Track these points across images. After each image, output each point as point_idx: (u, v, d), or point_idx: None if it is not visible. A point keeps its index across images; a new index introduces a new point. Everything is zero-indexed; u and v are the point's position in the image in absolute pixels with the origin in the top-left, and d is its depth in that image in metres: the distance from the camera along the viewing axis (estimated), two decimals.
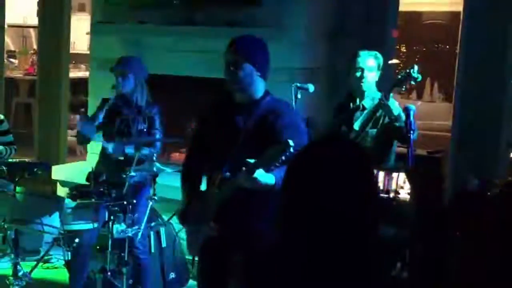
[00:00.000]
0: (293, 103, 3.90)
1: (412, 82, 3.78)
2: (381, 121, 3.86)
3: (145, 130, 4.28)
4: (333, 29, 5.17)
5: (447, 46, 8.77)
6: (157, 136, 4.31)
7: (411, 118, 3.44)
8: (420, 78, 3.75)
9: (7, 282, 3.94)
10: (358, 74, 3.92)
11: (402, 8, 5.63)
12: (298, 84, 4.03)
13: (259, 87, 3.09)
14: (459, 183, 4.43)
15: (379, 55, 4.01)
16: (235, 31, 5.32)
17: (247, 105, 3.10)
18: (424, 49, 9.25)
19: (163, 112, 4.46)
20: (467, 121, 4.90)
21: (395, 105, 3.77)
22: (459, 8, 7.07)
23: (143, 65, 4.40)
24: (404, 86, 3.79)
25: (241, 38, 3.15)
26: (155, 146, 4.30)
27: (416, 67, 3.68)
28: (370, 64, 3.93)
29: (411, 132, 3.41)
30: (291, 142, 2.63)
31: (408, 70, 3.69)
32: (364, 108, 3.94)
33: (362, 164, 1.44)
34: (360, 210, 1.38)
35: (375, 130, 3.84)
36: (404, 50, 8.99)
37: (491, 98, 4.77)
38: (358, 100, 3.99)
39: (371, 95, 3.95)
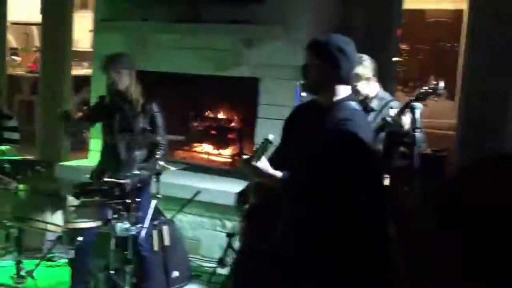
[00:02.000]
0: (298, 101, 3.88)
1: (435, 98, 3.67)
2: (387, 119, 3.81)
3: (147, 128, 4.27)
4: (337, 26, 5.15)
5: (451, 44, 8.75)
6: (161, 135, 4.32)
7: (417, 116, 3.42)
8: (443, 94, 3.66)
9: (10, 280, 3.92)
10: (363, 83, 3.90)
11: (405, 6, 5.61)
12: (303, 82, 4.00)
13: (335, 90, 2.92)
14: None
15: (366, 58, 3.95)
16: (240, 28, 5.32)
17: (322, 108, 2.96)
18: (427, 47, 9.23)
19: (167, 110, 4.45)
20: (471, 119, 4.89)
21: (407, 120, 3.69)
22: (463, 6, 7.06)
23: (134, 60, 4.42)
24: (426, 99, 3.68)
25: (316, 39, 2.98)
26: (161, 148, 4.30)
27: (442, 83, 3.59)
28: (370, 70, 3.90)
29: (417, 130, 3.38)
30: (270, 137, 2.58)
31: (433, 86, 3.59)
32: (372, 110, 3.91)
33: None
34: None
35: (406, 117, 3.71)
36: (407, 48, 8.96)
37: (495, 96, 4.75)
38: (364, 103, 3.95)
39: (378, 96, 3.94)
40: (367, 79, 3.93)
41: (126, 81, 4.29)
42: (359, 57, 3.87)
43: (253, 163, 2.86)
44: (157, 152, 4.12)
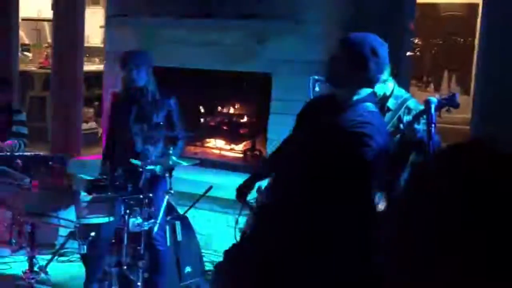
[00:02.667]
0: (311, 96, 3.84)
1: (451, 109, 3.60)
2: (404, 120, 3.74)
3: (161, 123, 4.27)
4: (350, 21, 5.11)
5: (465, 39, 8.69)
6: (178, 130, 4.32)
7: (432, 110, 3.37)
8: (459, 106, 3.58)
9: (23, 276, 3.93)
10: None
11: (418, 0, 5.57)
12: (316, 77, 3.97)
13: (357, 89, 2.88)
14: None
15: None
16: (251, 23, 5.30)
17: (340, 105, 2.90)
18: (441, 41, 9.17)
19: (179, 105, 4.45)
20: (486, 114, 4.84)
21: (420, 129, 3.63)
22: (477, 0, 7.00)
23: (150, 56, 4.42)
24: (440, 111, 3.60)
25: (352, 34, 2.93)
26: (177, 147, 4.29)
27: (457, 95, 3.53)
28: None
29: (432, 125, 3.34)
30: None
31: (450, 96, 3.52)
32: (388, 110, 3.79)
33: None
34: None
35: (421, 126, 3.65)
36: (421, 43, 8.91)
37: (509, 91, 4.70)
38: (380, 102, 3.88)
39: (394, 94, 3.86)
40: (383, 81, 3.83)
41: (144, 78, 4.29)
42: None
43: None
44: (171, 148, 4.11)
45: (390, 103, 3.84)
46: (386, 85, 3.86)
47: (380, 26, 4.97)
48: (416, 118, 3.56)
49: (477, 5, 7.04)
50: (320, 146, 2.85)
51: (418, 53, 8.81)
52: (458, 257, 0.90)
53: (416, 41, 8.39)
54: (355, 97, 2.88)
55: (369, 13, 5.09)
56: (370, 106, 2.89)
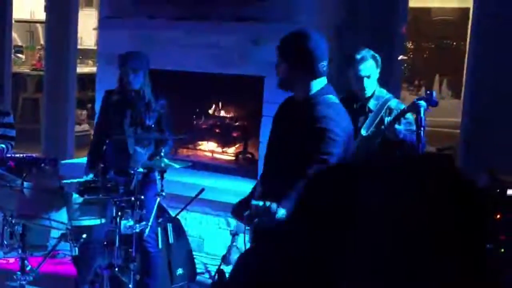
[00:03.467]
0: None
1: (429, 108, 3.61)
2: (385, 121, 3.76)
3: (152, 126, 4.27)
4: (342, 24, 5.14)
5: (456, 42, 8.73)
6: (167, 133, 4.32)
7: (422, 114, 3.40)
8: (437, 104, 3.61)
9: (15, 277, 3.93)
10: (361, 82, 3.82)
11: (411, 4, 5.60)
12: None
13: (306, 85, 2.98)
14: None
15: (376, 55, 3.89)
16: (245, 26, 5.31)
17: (298, 103, 3.04)
18: (432, 45, 9.21)
19: (172, 108, 4.45)
20: (476, 118, 4.87)
21: (402, 129, 3.65)
22: (468, 4, 7.03)
23: (148, 59, 4.41)
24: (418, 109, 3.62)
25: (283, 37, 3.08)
26: (167, 145, 4.30)
27: (434, 93, 3.55)
28: (371, 70, 3.83)
29: (421, 128, 3.37)
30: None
31: (426, 95, 3.54)
32: (370, 111, 3.82)
33: None
34: None
35: (402, 126, 3.67)
36: (412, 47, 8.95)
37: (500, 95, 4.73)
38: (361, 102, 3.88)
39: (375, 95, 3.87)
40: (368, 77, 3.84)
41: (141, 81, 4.28)
42: (362, 55, 3.85)
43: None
44: (162, 150, 4.11)
45: (371, 104, 3.85)
46: (369, 83, 3.85)
47: (373, 30, 5.00)
48: (397, 118, 3.59)
49: (468, 9, 7.08)
50: (289, 145, 2.93)
51: (410, 56, 8.84)
52: (452, 257, 0.92)
53: (408, 45, 8.43)
54: (310, 93, 2.97)
55: (362, 17, 5.12)
56: (331, 98, 2.97)
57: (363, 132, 3.75)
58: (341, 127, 2.88)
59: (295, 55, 2.98)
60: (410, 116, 3.68)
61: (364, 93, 3.85)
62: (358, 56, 3.83)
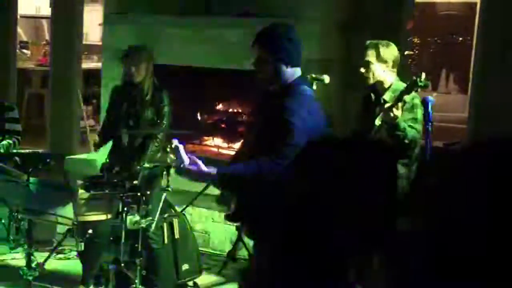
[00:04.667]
0: (309, 94, 3.84)
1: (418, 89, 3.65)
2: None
3: (151, 119, 4.30)
4: (348, 19, 5.12)
5: (463, 38, 8.69)
6: (164, 120, 4.32)
7: (429, 109, 3.38)
8: (427, 85, 3.66)
9: (21, 272, 3.93)
10: (364, 67, 3.85)
11: None
12: (313, 75, 3.97)
13: (285, 76, 3.04)
14: None
15: (386, 43, 3.89)
16: (251, 21, 5.29)
17: (270, 94, 3.12)
18: (439, 40, 9.17)
19: (176, 102, 4.45)
20: (483, 113, 4.85)
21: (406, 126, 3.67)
22: None
23: (152, 54, 4.42)
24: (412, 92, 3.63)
25: (260, 30, 3.13)
26: (156, 141, 4.31)
27: (423, 75, 3.58)
28: (374, 56, 3.83)
29: (429, 124, 3.35)
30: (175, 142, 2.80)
31: (414, 79, 3.57)
32: (385, 102, 3.83)
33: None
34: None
35: (405, 123, 3.68)
36: (419, 42, 8.91)
37: (507, 90, 4.71)
38: (380, 94, 3.88)
39: (392, 88, 3.87)
40: (385, 64, 3.84)
41: (143, 74, 4.29)
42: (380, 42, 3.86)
43: (183, 166, 2.91)
44: (150, 145, 4.13)
45: (387, 96, 3.84)
46: (385, 74, 3.85)
47: (378, 25, 4.98)
48: (395, 103, 3.58)
49: (475, 4, 7.05)
50: (258, 140, 3.04)
51: (416, 51, 8.80)
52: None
53: (414, 40, 8.40)
54: (282, 82, 3.02)
55: (367, 12, 5.10)
56: (305, 89, 3.04)
57: (377, 122, 3.75)
58: (302, 120, 2.92)
59: (282, 47, 3.02)
60: (419, 113, 3.67)
61: (367, 78, 3.87)
62: (368, 42, 3.90)
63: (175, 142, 3.04)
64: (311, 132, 2.86)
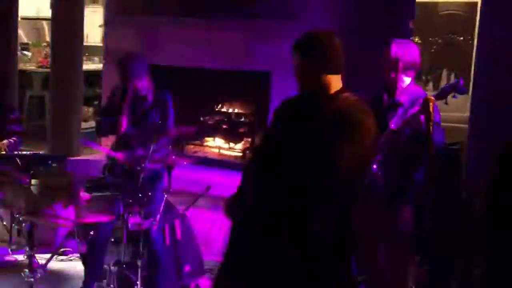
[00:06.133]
0: None
1: (456, 95, 3.56)
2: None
3: (155, 122, 4.30)
4: (350, 20, 5.12)
5: (464, 37, 8.68)
6: (169, 122, 4.32)
7: (430, 109, 3.36)
8: (466, 92, 3.56)
9: (22, 274, 3.93)
10: (390, 67, 3.75)
11: None
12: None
13: (321, 85, 2.87)
14: (476, 175, 4.39)
15: (406, 42, 3.82)
16: (252, 23, 5.30)
17: (315, 103, 2.90)
18: (440, 40, 9.16)
19: (178, 104, 4.45)
20: (485, 113, 4.84)
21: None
22: None
23: (145, 61, 4.38)
24: (446, 98, 3.55)
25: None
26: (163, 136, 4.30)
27: (462, 81, 3.52)
28: (402, 55, 3.74)
29: (432, 123, 3.32)
30: None
31: (454, 83, 3.51)
32: (400, 104, 3.69)
33: None
34: None
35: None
36: (420, 42, 8.89)
37: (508, 90, 4.71)
38: (392, 96, 3.79)
39: (409, 90, 3.76)
40: (406, 67, 3.75)
41: (146, 86, 4.31)
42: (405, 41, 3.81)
43: None
44: (156, 138, 4.09)
45: (403, 99, 3.77)
46: (403, 76, 3.78)
47: (379, 25, 4.98)
48: (424, 108, 3.49)
49: (476, 3, 7.04)
50: (310, 148, 2.77)
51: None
52: None
53: (415, 40, 8.39)
54: (327, 92, 2.85)
55: (369, 12, 5.10)
56: (346, 96, 2.85)
57: (393, 125, 3.70)
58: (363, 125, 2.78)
59: (311, 52, 2.89)
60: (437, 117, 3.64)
61: (392, 79, 3.77)
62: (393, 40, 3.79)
63: None
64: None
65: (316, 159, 2.69)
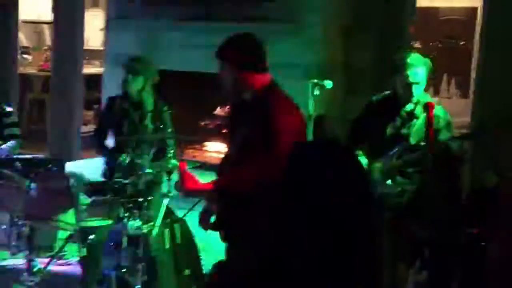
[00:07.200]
0: (310, 99, 3.85)
1: None
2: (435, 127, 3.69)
3: (152, 129, 4.32)
4: (350, 24, 5.12)
5: (464, 42, 8.69)
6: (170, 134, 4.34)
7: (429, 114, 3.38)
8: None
9: (21, 278, 3.93)
10: (410, 88, 3.74)
11: (418, 3, 5.57)
12: (315, 81, 3.97)
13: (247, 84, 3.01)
14: (477, 180, 4.38)
15: (427, 60, 3.85)
16: (251, 27, 5.29)
17: (246, 104, 3.13)
18: (440, 45, 9.16)
19: (177, 107, 4.45)
20: (485, 118, 4.84)
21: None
22: (476, 3, 7.01)
23: (154, 66, 4.42)
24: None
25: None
26: (170, 146, 4.32)
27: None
28: (421, 77, 3.76)
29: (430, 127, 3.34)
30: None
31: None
32: (416, 117, 3.75)
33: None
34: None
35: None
36: (420, 46, 8.90)
37: (509, 94, 4.71)
38: (406, 108, 3.79)
39: (420, 101, 3.78)
40: (417, 83, 3.74)
41: (139, 86, 4.35)
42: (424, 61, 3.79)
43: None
44: (170, 151, 4.12)
45: (417, 111, 3.77)
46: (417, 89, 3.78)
47: (380, 30, 4.98)
48: (462, 138, 3.52)
49: (476, 8, 7.06)
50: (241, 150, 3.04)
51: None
52: None
53: (415, 44, 8.39)
54: (252, 93, 3.02)
55: (369, 17, 5.10)
56: (269, 96, 3.05)
57: (412, 140, 3.70)
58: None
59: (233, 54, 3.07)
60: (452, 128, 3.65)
61: (411, 99, 3.78)
62: (409, 62, 3.76)
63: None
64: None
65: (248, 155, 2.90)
